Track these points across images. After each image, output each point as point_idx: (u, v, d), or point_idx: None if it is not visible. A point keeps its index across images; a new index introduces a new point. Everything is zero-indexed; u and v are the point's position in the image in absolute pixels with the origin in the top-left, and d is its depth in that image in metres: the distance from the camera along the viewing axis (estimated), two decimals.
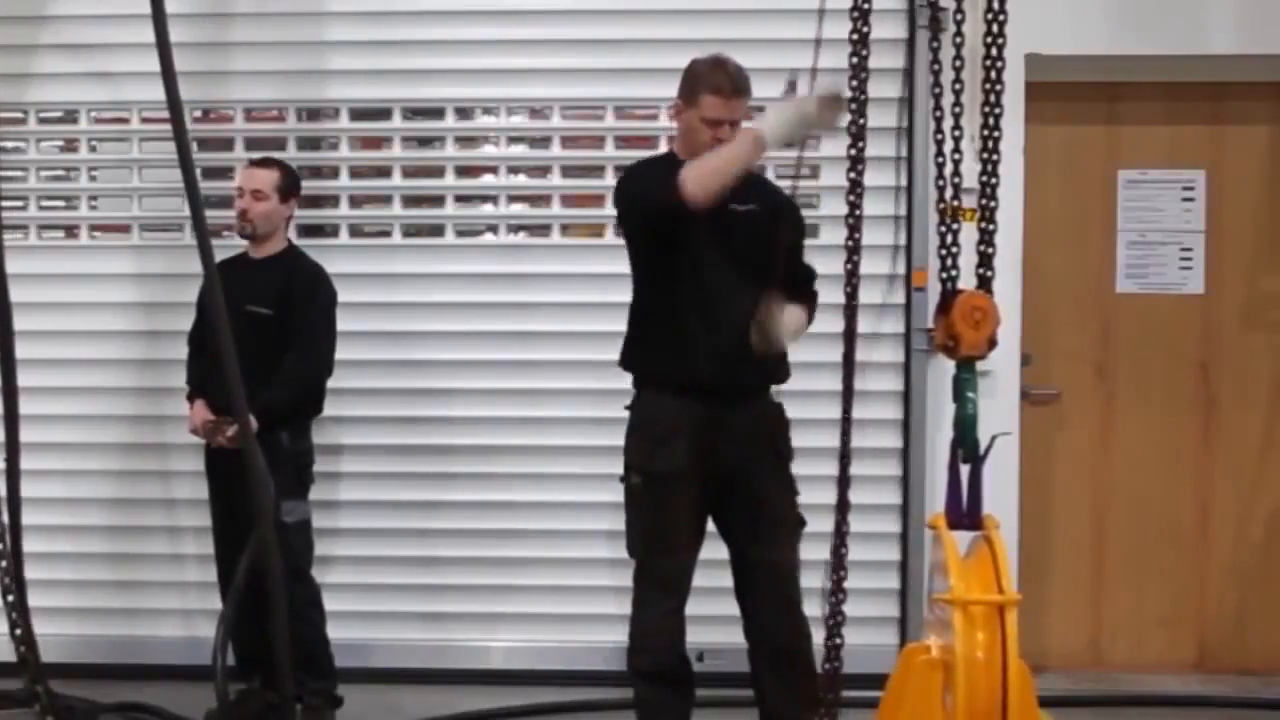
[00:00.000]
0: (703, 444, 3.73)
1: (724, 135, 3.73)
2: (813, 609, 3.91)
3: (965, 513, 3.30)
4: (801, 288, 3.88)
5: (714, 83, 3.74)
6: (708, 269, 3.73)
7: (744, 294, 3.71)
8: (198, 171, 5.07)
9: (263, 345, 4.33)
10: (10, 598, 3.86)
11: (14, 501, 3.83)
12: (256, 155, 4.72)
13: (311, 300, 4.51)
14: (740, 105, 3.76)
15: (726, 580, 3.92)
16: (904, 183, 5.00)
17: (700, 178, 3.54)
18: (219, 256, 4.47)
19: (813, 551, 4.06)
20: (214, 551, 4.61)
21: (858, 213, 3.65)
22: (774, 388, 3.90)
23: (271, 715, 4.37)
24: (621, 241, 3.95)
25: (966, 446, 3.31)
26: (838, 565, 3.75)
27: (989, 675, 2.98)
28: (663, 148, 4.92)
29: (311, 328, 4.49)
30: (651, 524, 3.82)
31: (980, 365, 3.35)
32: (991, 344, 3.31)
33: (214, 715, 4.30)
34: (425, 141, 5.30)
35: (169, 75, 3.28)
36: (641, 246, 3.84)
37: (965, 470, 3.33)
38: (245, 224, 4.51)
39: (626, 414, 3.91)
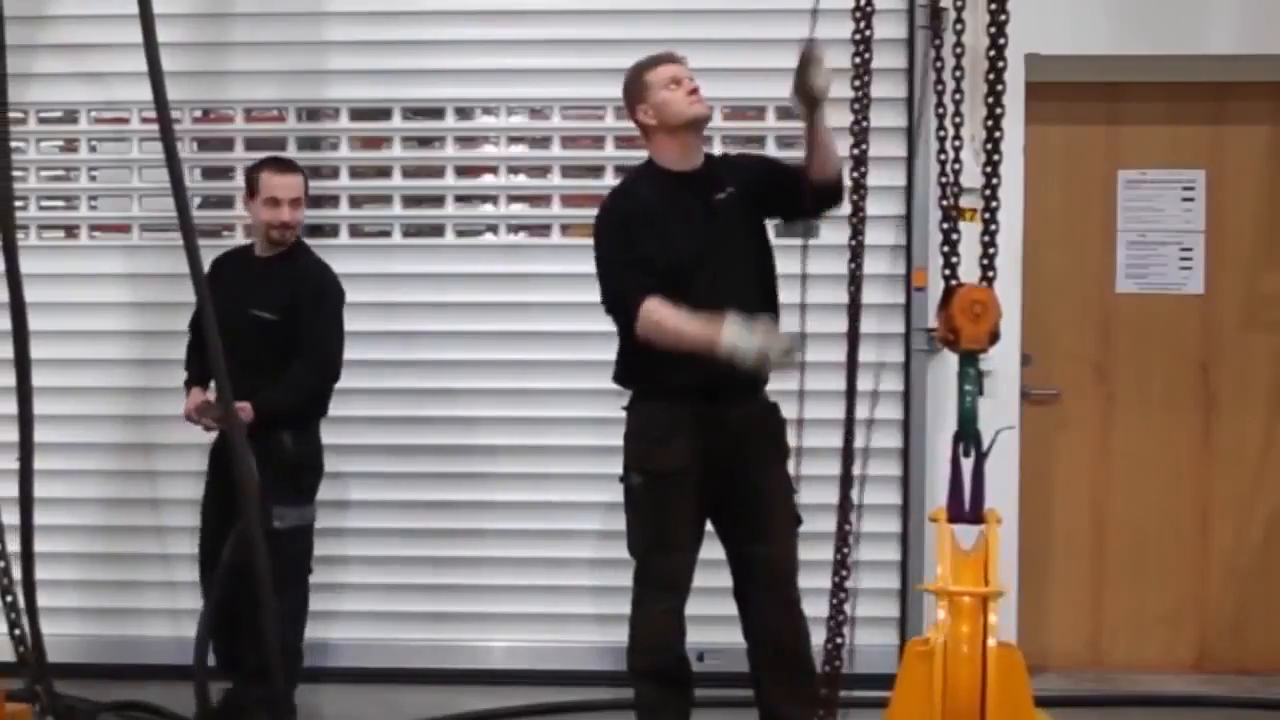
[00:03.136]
0: (701, 443, 3.74)
1: (690, 86, 3.82)
2: (814, 609, 3.91)
3: (967, 507, 3.30)
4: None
5: (649, 65, 3.88)
6: (700, 270, 3.73)
7: (738, 287, 3.75)
8: (196, 172, 5.15)
9: (267, 350, 4.28)
10: (9, 598, 3.85)
11: (26, 502, 3.82)
12: (266, 155, 4.64)
13: (321, 307, 4.44)
14: (683, 67, 3.88)
15: (726, 580, 3.92)
16: (904, 183, 5.02)
17: (656, 333, 3.66)
18: (214, 255, 4.47)
19: (813, 551, 4.06)
20: (198, 552, 4.53)
21: (861, 213, 3.64)
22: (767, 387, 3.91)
23: (249, 715, 4.36)
24: None
25: (964, 440, 3.31)
26: (839, 565, 3.75)
27: (971, 667, 2.99)
28: None
29: (323, 336, 4.43)
30: (651, 523, 3.82)
31: (982, 365, 3.34)
32: (993, 338, 3.30)
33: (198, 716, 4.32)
34: (425, 141, 5.30)
35: (156, 74, 3.27)
36: None
37: (967, 465, 3.32)
38: (288, 233, 4.42)
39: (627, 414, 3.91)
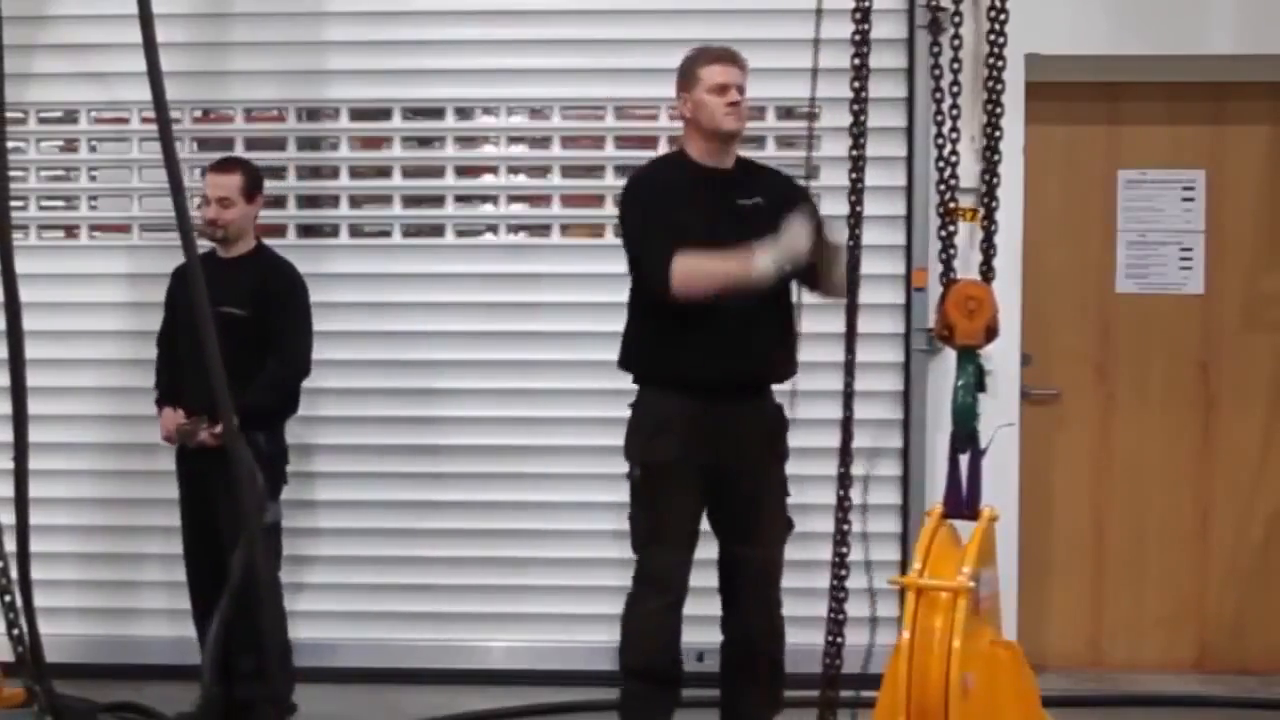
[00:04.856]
0: (698, 438, 3.74)
1: (733, 98, 3.80)
2: (812, 609, 3.90)
3: (963, 503, 3.30)
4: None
5: (709, 56, 3.87)
6: None
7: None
8: (196, 171, 5.14)
9: (237, 347, 4.23)
10: (8, 598, 3.85)
11: (21, 502, 3.82)
12: (217, 157, 4.70)
13: (291, 302, 4.47)
14: (738, 72, 3.85)
15: None
16: (904, 183, 5.03)
17: (691, 280, 3.65)
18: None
19: (813, 551, 4.05)
20: (185, 558, 4.56)
21: (859, 210, 3.64)
22: (775, 387, 3.91)
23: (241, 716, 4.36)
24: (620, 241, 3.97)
25: (956, 436, 3.30)
26: (839, 564, 3.75)
27: (942, 661, 3.00)
28: (662, 148, 4.92)
29: (294, 330, 4.46)
30: (649, 516, 3.84)
31: (983, 364, 3.34)
32: (990, 334, 3.30)
33: (186, 716, 4.31)
34: (425, 141, 5.30)
35: (154, 72, 3.27)
36: None
37: (964, 461, 3.32)
38: (216, 230, 4.45)
39: (628, 413, 3.91)
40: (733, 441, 3.77)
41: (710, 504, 3.87)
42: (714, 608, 4.02)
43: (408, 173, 5.26)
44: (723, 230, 3.73)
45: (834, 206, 3.87)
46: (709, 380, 3.73)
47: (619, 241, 4.02)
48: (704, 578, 3.95)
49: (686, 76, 3.88)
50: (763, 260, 3.61)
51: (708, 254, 3.65)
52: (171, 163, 3.33)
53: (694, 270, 3.65)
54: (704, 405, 3.73)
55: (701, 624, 4.03)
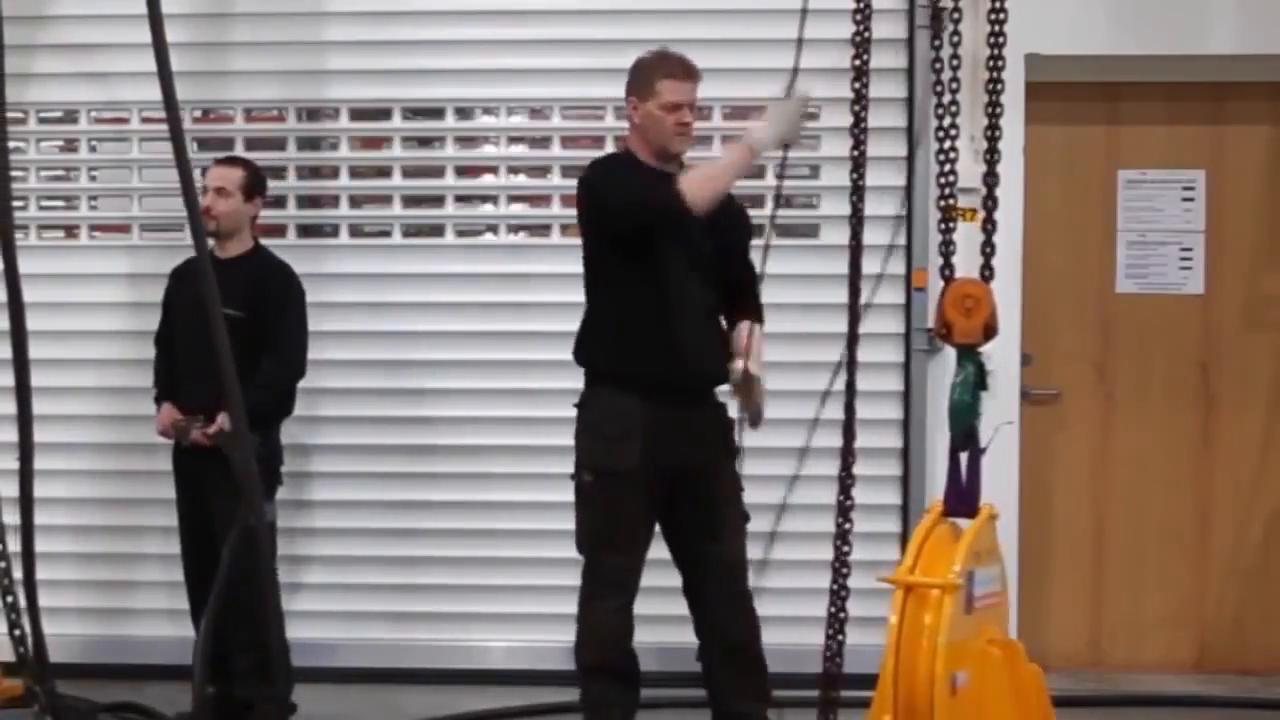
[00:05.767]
0: (656, 443, 3.74)
1: (685, 118, 3.79)
2: (812, 608, 3.91)
3: (963, 501, 3.30)
4: (743, 294, 3.92)
5: (667, 69, 3.82)
6: (666, 266, 3.75)
7: (701, 290, 3.80)
8: (195, 171, 5.14)
9: (235, 348, 4.26)
10: (10, 598, 3.85)
11: (26, 502, 3.82)
12: (217, 156, 4.69)
13: (287, 303, 4.47)
14: (694, 88, 3.83)
15: None
16: (904, 183, 5.03)
17: (702, 188, 3.61)
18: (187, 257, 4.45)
19: (811, 551, 4.06)
20: (182, 558, 4.56)
21: (860, 213, 3.64)
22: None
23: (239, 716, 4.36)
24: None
25: (953, 435, 3.30)
26: (840, 565, 3.75)
27: (928, 657, 3.00)
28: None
29: (291, 331, 4.45)
30: (603, 522, 3.82)
31: (985, 364, 3.35)
32: (989, 332, 3.30)
33: (186, 716, 4.32)
34: (425, 141, 5.31)
35: (164, 71, 3.27)
36: (604, 246, 3.85)
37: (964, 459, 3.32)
38: (209, 221, 4.38)
39: None
40: (688, 443, 3.77)
41: (668, 506, 3.85)
42: None
43: (408, 173, 5.26)
44: (678, 232, 3.73)
45: (835, 206, 3.87)
46: (666, 381, 3.73)
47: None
48: None
49: (642, 83, 3.84)
50: (759, 132, 3.63)
51: (704, 164, 3.64)
52: (182, 159, 3.32)
53: (702, 180, 3.65)
54: (659, 408, 3.72)
55: None
